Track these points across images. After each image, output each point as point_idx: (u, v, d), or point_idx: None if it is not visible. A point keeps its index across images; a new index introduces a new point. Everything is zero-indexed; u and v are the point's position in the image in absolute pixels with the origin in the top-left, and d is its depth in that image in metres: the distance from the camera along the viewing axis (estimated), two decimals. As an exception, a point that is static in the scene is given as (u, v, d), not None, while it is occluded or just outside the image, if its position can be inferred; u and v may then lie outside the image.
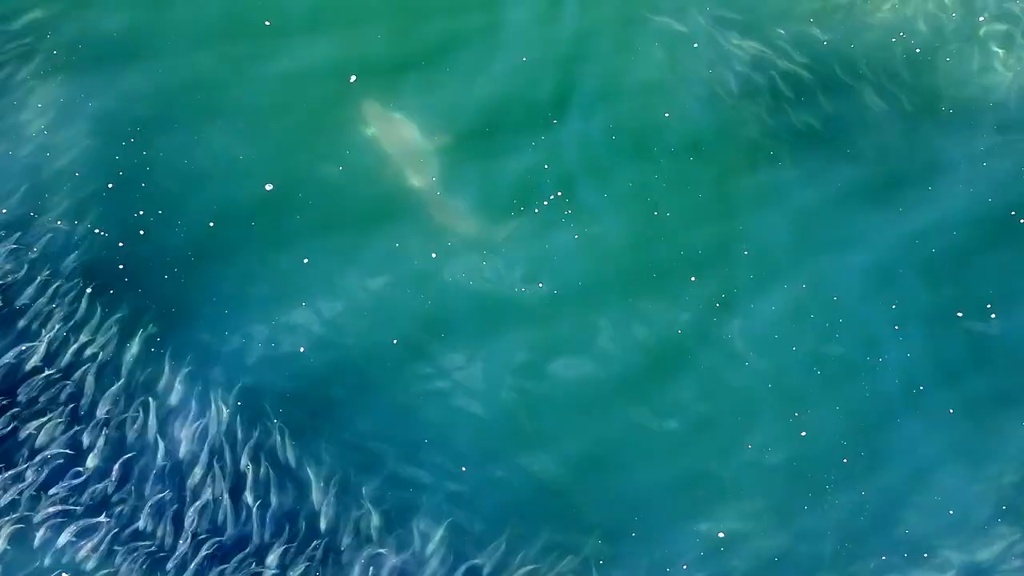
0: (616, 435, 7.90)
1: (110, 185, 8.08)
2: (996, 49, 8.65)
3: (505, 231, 8.20)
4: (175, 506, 7.49)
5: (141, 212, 8.05)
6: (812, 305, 8.11)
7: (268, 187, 8.15)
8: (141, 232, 8.03)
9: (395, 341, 7.97)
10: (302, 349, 7.89)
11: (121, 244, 8.02)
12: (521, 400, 7.92)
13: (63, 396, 7.67)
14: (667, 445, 7.88)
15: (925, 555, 7.70)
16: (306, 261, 8.03)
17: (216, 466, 7.57)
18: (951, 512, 7.81)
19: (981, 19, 8.60)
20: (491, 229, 8.21)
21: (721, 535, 7.72)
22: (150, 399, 7.70)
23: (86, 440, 7.57)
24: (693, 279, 8.12)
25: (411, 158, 8.30)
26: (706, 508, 7.77)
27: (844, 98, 8.55)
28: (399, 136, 8.34)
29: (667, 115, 8.49)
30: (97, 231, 8.02)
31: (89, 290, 7.89)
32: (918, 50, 8.52)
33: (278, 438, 7.68)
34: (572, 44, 8.67)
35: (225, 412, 7.69)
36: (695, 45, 8.65)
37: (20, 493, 7.40)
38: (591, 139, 8.45)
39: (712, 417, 7.93)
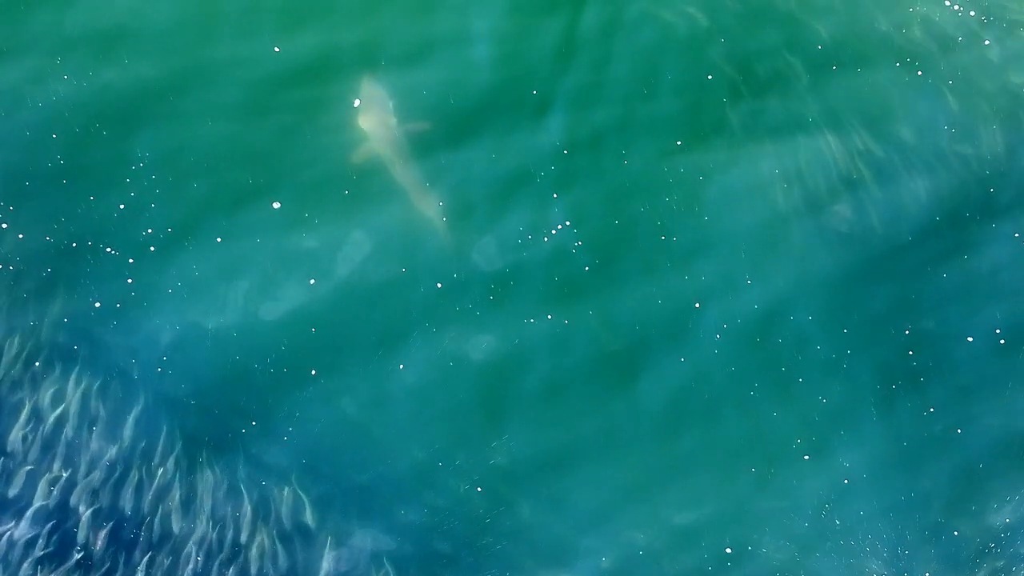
0: (611, 446, 7.97)
1: (121, 206, 8.04)
2: (997, 64, 8.78)
3: (480, 228, 8.22)
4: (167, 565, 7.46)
5: (149, 230, 8.02)
6: (797, 313, 8.21)
7: (276, 205, 8.14)
8: (152, 249, 8.00)
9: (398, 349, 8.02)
10: (313, 373, 7.88)
11: (131, 260, 8.01)
12: (494, 403, 7.97)
13: (58, 449, 7.62)
14: (664, 459, 7.96)
15: (927, 574, 7.71)
16: (312, 282, 8.01)
17: (217, 527, 7.57)
18: (955, 532, 7.82)
19: (986, 42, 8.69)
20: (466, 224, 8.23)
21: (728, 551, 7.71)
22: (145, 456, 7.71)
23: (77, 494, 7.53)
24: (672, 280, 8.20)
25: (394, 152, 8.30)
26: (709, 523, 7.86)
27: (832, 101, 8.64)
28: (386, 129, 8.34)
29: (651, 116, 8.54)
30: (109, 249, 8.00)
31: (97, 304, 7.87)
32: (920, 72, 8.61)
33: (283, 493, 7.72)
34: (561, 47, 8.68)
35: (220, 470, 7.70)
36: (685, 45, 8.74)
37: (10, 547, 7.35)
38: (572, 141, 8.45)
39: (710, 432, 8.02)
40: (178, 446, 7.72)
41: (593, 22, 8.67)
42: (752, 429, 7.98)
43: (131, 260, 7.94)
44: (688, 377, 8.02)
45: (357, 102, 8.35)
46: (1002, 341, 8.20)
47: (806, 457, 7.95)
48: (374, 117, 8.34)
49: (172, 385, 7.79)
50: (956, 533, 7.93)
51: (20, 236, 7.93)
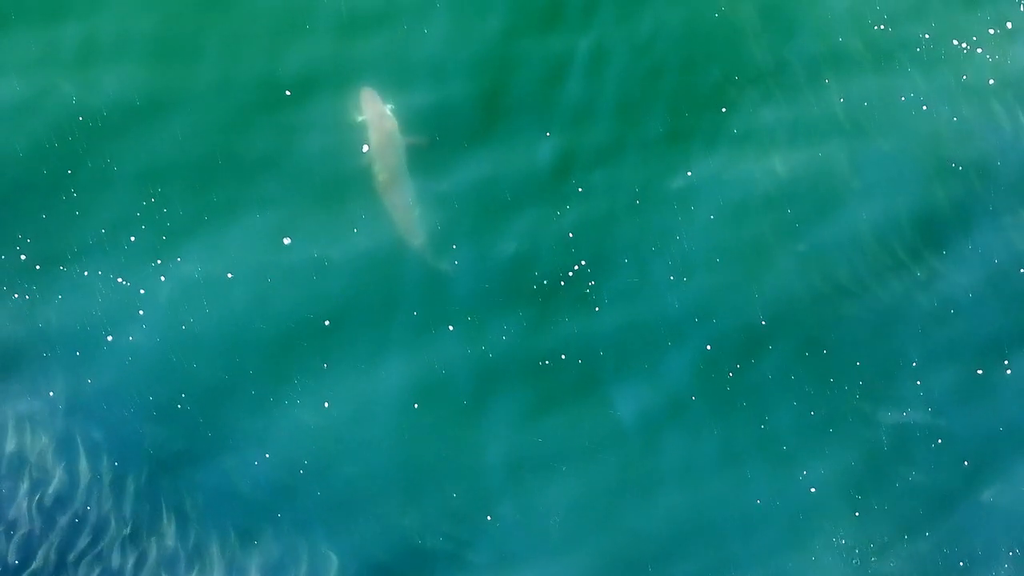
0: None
1: (132, 239, 8.08)
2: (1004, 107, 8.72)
3: (470, 250, 8.24)
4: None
5: (159, 260, 8.07)
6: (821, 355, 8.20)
7: (287, 240, 8.17)
8: (162, 278, 8.04)
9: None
10: (309, 397, 7.97)
11: (142, 291, 8.04)
12: (478, 426, 8.03)
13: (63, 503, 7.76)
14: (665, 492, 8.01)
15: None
16: (304, 302, 8.05)
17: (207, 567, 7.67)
18: (960, 563, 7.84)
19: (988, 59, 8.63)
20: (457, 245, 8.23)
21: (735, 588, 7.81)
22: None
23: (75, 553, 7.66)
24: (668, 305, 8.18)
25: (392, 169, 8.30)
26: (718, 556, 7.91)
27: (831, 120, 8.58)
28: (387, 139, 8.34)
29: (650, 139, 8.49)
30: (120, 280, 8.05)
31: (110, 337, 7.93)
32: (924, 106, 8.60)
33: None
34: (562, 68, 8.59)
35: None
36: (687, 66, 8.67)
37: None
38: (570, 164, 8.41)
39: (717, 464, 8.04)
40: (181, 496, 7.86)
41: (594, 43, 8.62)
42: (791, 482, 8.02)
43: (142, 291, 7.99)
44: (694, 408, 8.07)
45: (361, 117, 8.35)
46: (1008, 372, 8.20)
47: (812, 490, 7.98)
48: (375, 128, 8.34)
49: (183, 422, 7.92)
50: (961, 564, 7.94)
51: (37, 267, 8.01)
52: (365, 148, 8.31)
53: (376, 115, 8.34)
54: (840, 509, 7.97)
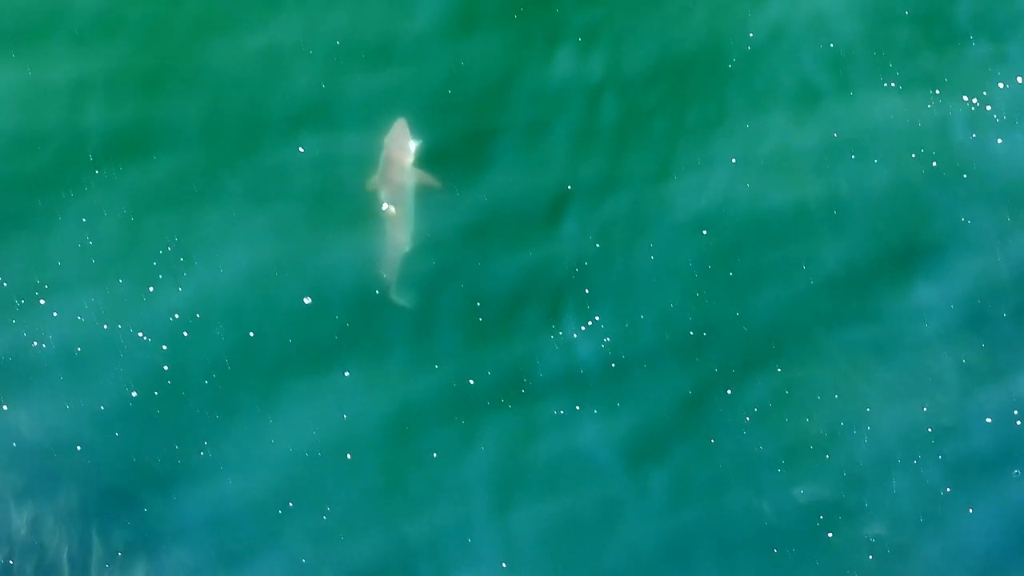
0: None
1: (151, 288, 8.12)
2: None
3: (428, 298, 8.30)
4: None
5: (176, 315, 8.10)
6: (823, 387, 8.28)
7: (307, 300, 8.22)
8: (185, 333, 8.09)
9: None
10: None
11: (134, 330, 8.10)
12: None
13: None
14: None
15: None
16: (347, 373, 8.13)
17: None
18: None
19: (996, 118, 8.71)
20: (432, 277, 8.31)
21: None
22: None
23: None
24: (689, 353, 8.26)
25: (396, 193, 8.36)
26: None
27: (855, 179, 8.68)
28: (400, 169, 8.40)
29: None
30: (140, 334, 8.09)
31: (134, 393, 7.98)
32: (935, 164, 8.69)
33: None
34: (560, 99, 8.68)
35: None
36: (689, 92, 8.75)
37: None
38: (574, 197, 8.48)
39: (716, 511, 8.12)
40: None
41: (591, 79, 8.65)
42: (811, 533, 8.09)
43: (164, 347, 8.04)
44: (683, 443, 8.13)
45: (385, 206, 8.39)
46: (1019, 423, 8.30)
47: (829, 535, 8.06)
48: (393, 160, 8.37)
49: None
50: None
51: (54, 314, 8.06)
52: (385, 206, 8.37)
53: (398, 147, 8.38)
54: (853, 544, 8.02)
